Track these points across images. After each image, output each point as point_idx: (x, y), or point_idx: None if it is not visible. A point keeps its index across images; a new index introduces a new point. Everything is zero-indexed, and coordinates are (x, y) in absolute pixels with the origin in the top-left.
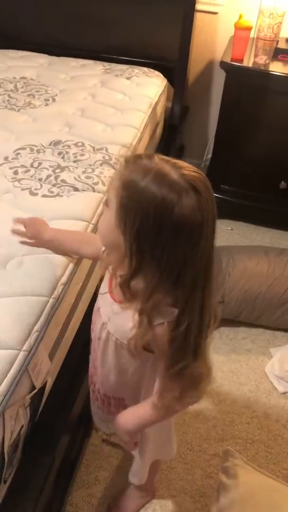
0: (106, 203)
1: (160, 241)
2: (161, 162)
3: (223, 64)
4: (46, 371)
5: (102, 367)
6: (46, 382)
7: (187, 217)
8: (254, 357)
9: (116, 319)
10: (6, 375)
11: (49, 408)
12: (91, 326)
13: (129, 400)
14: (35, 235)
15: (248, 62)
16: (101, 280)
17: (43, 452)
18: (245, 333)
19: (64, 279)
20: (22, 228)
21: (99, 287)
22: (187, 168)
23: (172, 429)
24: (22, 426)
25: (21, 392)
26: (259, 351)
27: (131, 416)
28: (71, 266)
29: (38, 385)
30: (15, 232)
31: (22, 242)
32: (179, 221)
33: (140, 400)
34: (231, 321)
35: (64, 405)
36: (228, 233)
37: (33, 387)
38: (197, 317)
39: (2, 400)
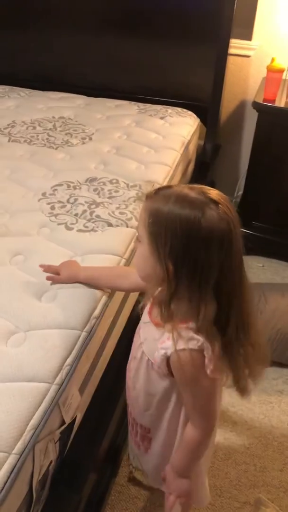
0: (138, 239)
1: (192, 256)
2: (179, 187)
3: (255, 104)
4: (76, 406)
5: (133, 388)
6: (76, 417)
7: (214, 228)
8: (287, 398)
9: (150, 340)
10: (38, 409)
11: (76, 444)
12: (132, 347)
13: (153, 432)
14: (71, 277)
15: (280, 102)
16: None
17: (70, 490)
18: (277, 373)
19: (96, 312)
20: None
21: (131, 320)
22: (203, 187)
23: (204, 474)
24: (51, 462)
25: (52, 426)
26: None
27: (179, 459)
28: (103, 299)
29: (67, 419)
30: (49, 279)
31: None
32: (208, 233)
33: (163, 433)
34: None
35: (92, 442)
36: (260, 270)
37: (63, 422)
38: (240, 320)
39: (33, 434)
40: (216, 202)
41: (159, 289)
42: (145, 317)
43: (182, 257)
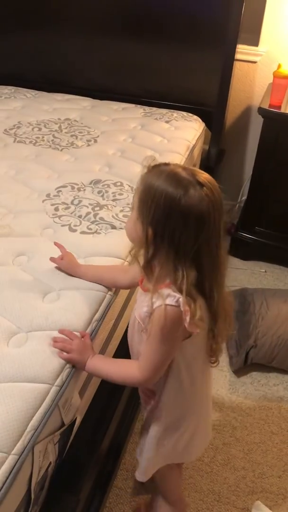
0: (132, 207)
1: (170, 226)
2: (175, 166)
3: (261, 110)
4: (76, 408)
5: (132, 352)
6: (76, 419)
7: (193, 207)
8: (287, 405)
9: (139, 303)
10: (38, 410)
11: (76, 446)
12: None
13: (157, 395)
14: (71, 266)
15: (285, 108)
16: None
17: (68, 491)
18: (278, 379)
19: (98, 315)
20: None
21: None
22: (195, 169)
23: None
24: (50, 463)
25: (51, 428)
26: None
27: (105, 362)
28: (105, 302)
29: (67, 421)
30: (52, 259)
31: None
32: (186, 210)
33: (165, 392)
34: (263, 366)
35: (91, 444)
36: (262, 276)
37: (63, 424)
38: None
39: (33, 435)
40: (201, 184)
41: (138, 252)
42: (139, 293)
43: (161, 226)
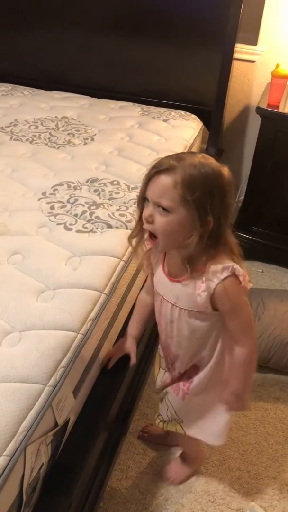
0: (165, 211)
1: (226, 204)
2: (189, 156)
3: (259, 110)
4: (70, 408)
5: (180, 348)
6: (69, 419)
7: (229, 178)
8: (283, 406)
9: (184, 295)
10: (30, 410)
11: (69, 447)
12: (159, 323)
13: (200, 362)
14: (120, 348)
15: (284, 108)
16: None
17: (60, 493)
18: (274, 380)
19: (93, 314)
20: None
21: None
22: (202, 154)
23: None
24: (42, 464)
25: (44, 428)
26: None
27: (237, 381)
28: (100, 301)
29: (61, 422)
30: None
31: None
32: (229, 183)
33: (207, 357)
34: (259, 367)
35: (85, 445)
36: (259, 276)
37: (56, 424)
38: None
39: (25, 435)
40: (223, 165)
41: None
42: (164, 287)
43: (220, 208)
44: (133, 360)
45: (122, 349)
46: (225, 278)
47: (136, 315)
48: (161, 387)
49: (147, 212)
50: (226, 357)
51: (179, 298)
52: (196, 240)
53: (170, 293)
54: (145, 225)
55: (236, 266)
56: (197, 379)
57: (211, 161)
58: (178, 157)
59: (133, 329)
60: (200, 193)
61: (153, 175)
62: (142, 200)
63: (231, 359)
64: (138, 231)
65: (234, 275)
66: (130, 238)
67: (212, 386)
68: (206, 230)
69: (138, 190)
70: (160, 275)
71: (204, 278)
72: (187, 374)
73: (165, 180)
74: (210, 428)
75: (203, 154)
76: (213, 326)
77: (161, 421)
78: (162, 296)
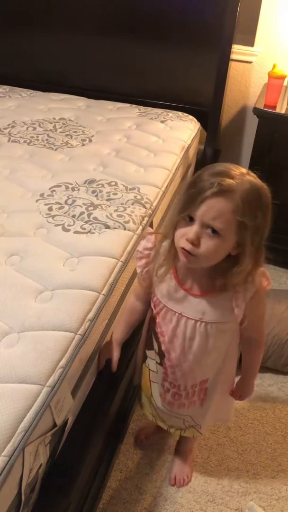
0: (212, 235)
1: (268, 222)
2: (236, 172)
3: (256, 110)
4: (68, 408)
5: (185, 360)
6: (68, 419)
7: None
8: (281, 406)
9: (213, 309)
10: (29, 410)
11: (67, 447)
12: (170, 341)
13: (211, 380)
14: (106, 351)
15: (281, 108)
16: None
17: (59, 493)
18: (272, 379)
19: (91, 315)
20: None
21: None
22: (242, 170)
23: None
24: (41, 465)
25: (43, 429)
26: (286, 399)
27: (253, 376)
28: (98, 302)
29: (59, 422)
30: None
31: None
32: (270, 201)
33: (221, 373)
34: None
35: (84, 445)
36: None
37: (55, 424)
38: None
39: (24, 436)
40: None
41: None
42: (183, 304)
43: (265, 227)
44: (113, 368)
45: (108, 352)
46: (260, 285)
47: (123, 320)
48: (166, 408)
49: (193, 233)
50: (234, 348)
51: (206, 312)
52: (249, 262)
53: (194, 309)
54: (187, 246)
55: (264, 269)
56: (212, 385)
57: (258, 180)
58: (231, 175)
59: (119, 333)
60: (259, 220)
61: (210, 196)
62: (181, 218)
63: (246, 358)
64: (174, 253)
65: (264, 278)
66: (157, 267)
67: (224, 380)
68: (258, 254)
69: (136, 190)
70: (173, 291)
71: (238, 288)
72: (198, 392)
73: (224, 204)
74: (220, 412)
75: (248, 171)
76: (233, 332)
77: (176, 430)
78: (180, 313)
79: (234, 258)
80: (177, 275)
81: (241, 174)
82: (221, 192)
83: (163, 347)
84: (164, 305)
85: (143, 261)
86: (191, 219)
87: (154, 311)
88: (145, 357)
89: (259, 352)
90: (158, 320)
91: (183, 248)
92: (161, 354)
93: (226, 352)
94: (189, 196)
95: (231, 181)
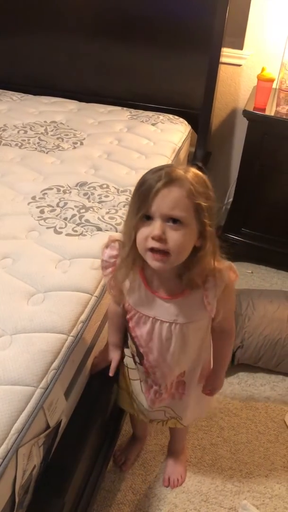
0: (176, 226)
1: (214, 208)
2: (179, 169)
3: (246, 113)
4: (61, 410)
5: (163, 360)
6: (61, 421)
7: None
8: (273, 405)
9: (186, 309)
10: (22, 412)
11: (61, 448)
12: (146, 344)
13: (187, 373)
14: (105, 359)
15: (270, 111)
16: None
17: (53, 494)
18: (264, 379)
19: (83, 317)
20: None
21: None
22: (178, 166)
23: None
24: (34, 466)
25: (36, 430)
26: (278, 399)
27: (224, 368)
28: (91, 304)
29: (52, 423)
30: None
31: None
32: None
33: (197, 367)
34: (250, 367)
35: (77, 446)
36: (248, 276)
37: (48, 426)
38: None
39: (17, 438)
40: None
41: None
42: (156, 308)
43: (213, 211)
44: (111, 373)
45: (106, 359)
46: (229, 277)
47: (112, 326)
48: (150, 407)
49: (157, 228)
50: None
51: (179, 314)
52: (211, 250)
53: (166, 312)
54: (156, 244)
55: (231, 263)
56: (189, 378)
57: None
58: (174, 166)
59: (113, 337)
60: (211, 201)
61: (161, 188)
62: (139, 220)
63: (216, 350)
64: (133, 259)
65: (232, 271)
66: (121, 275)
67: (202, 368)
68: (214, 238)
69: (127, 193)
70: (144, 296)
71: (207, 285)
72: (175, 385)
73: (177, 191)
74: (201, 406)
75: (185, 166)
76: (207, 328)
77: (158, 422)
78: (154, 317)
79: (196, 251)
80: (146, 280)
81: (181, 165)
82: (171, 181)
83: (140, 349)
84: (137, 311)
85: (109, 269)
86: (148, 218)
87: (128, 316)
88: (123, 356)
89: (230, 342)
90: (131, 325)
91: (152, 250)
92: (139, 355)
93: (201, 342)
94: (140, 195)
95: (177, 169)
